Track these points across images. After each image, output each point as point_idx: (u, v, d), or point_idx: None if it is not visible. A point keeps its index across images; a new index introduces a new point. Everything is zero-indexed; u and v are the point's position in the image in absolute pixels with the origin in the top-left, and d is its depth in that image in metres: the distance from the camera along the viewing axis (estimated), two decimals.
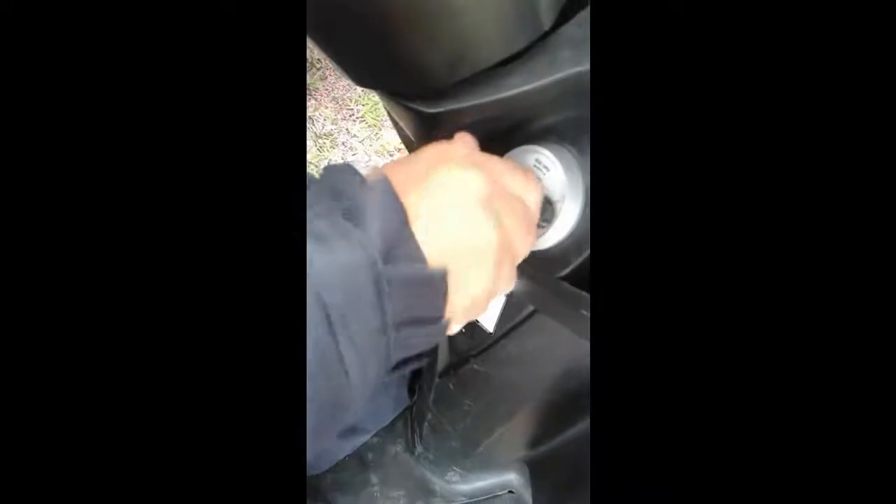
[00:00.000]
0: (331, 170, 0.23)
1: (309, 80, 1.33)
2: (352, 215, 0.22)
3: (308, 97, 1.32)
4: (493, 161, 0.25)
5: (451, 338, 0.54)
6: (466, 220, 0.23)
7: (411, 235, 0.23)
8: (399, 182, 0.23)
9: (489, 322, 0.47)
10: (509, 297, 0.44)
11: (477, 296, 0.25)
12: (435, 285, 0.23)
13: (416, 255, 0.23)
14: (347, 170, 0.24)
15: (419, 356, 0.26)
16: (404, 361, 0.25)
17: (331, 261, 0.20)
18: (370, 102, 1.29)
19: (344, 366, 0.20)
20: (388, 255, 0.22)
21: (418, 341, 0.24)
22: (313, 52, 1.37)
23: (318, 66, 1.36)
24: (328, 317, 0.19)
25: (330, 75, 1.36)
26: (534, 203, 0.26)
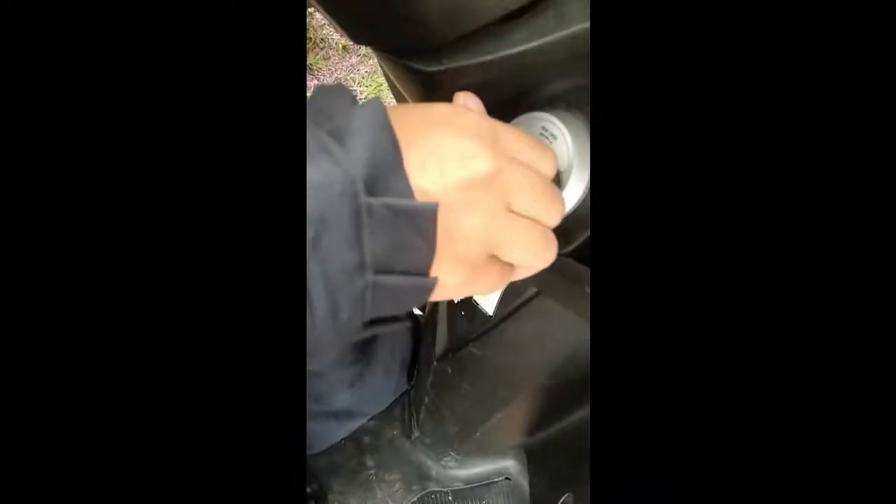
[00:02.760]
0: (320, 89, 0.21)
1: (311, 59, 1.31)
2: (337, 134, 0.19)
3: (310, 77, 1.30)
4: (501, 129, 0.23)
5: (450, 322, 0.53)
6: (463, 162, 0.20)
7: (401, 166, 0.20)
8: (396, 121, 0.20)
9: (489, 305, 0.46)
10: None
11: (468, 250, 0.21)
12: (422, 221, 0.20)
13: (405, 189, 0.20)
14: (338, 90, 0.21)
15: (395, 318, 0.23)
16: (381, 320, 0.22)
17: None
18: (374, 84, 1.27)
19: (310, 302, 0.18)
20: (373, 186, 0.19)
21: (401, 295, 0.21)
22: (317, 31, 1.35)
23: (322, 45, 1.34)
24: None
25: (333, 55, 1.34)
26: (549, 171, 0.24)
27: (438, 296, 0.23)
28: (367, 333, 0.22)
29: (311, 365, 0.20)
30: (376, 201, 0.19)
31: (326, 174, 0.18)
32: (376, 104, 0.20)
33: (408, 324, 0.48)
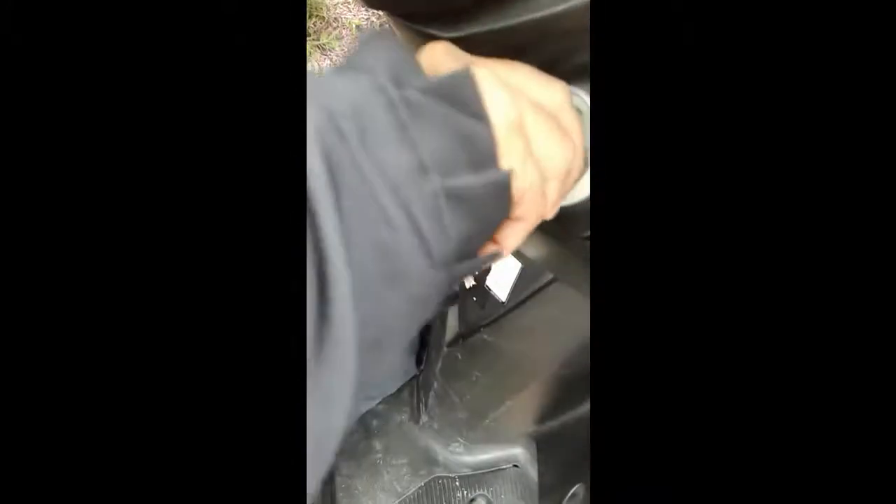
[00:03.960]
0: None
1: (324, 39, 1.29)
2: (349, 63, 0.18)
3: (323, 56, 1.28)
4: (499, 62, 0.20)
5: (461, 308, 0.52)
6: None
7: (420, 67, 0.18)
8: None
9: (502, 291, 0.45)
10: (525, 265, 0.41)
11: (512, 135, 0.18)
12: (463, 93, 0.17)
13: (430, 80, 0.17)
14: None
15: (476, 256, 0.19)
16: (465, 255, 0.18)
17: (326, 98, 0.15)
18: None
19: (384, 211, 0.15)
20: (399, 81, 0.17)
21: (479, 201, 0.17)
22: (331, 10, 1.33)
23: (335, 24, 1.31)
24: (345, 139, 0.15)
25: (346, 34, 1.31)
26: (561, 103, 0.21)
27: (521, 208, 0.19)
28: (463, 270, 0.18)
29: (421, 314, 0.17)
30: (408, 91, 0.17)
31: (349, 79, 0.16)
32: (383, 31, 0.19)
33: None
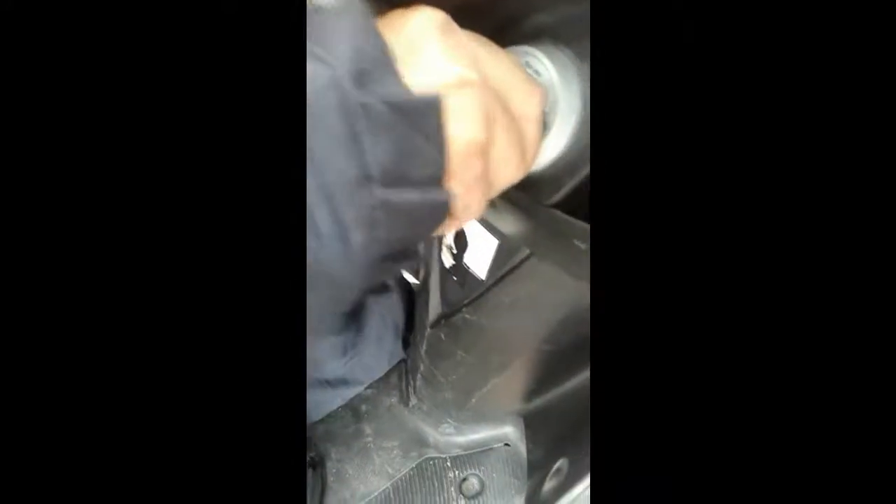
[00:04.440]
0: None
1: None
2: (315, 38, 0.16)
3: None
4: (485, 54, 0.20)
5: (442, 287, 0.52)
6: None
7: (391, 63, 0.17)
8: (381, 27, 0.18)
9: (481, 269, 0.45)
10: (501, 241, 0.41)
11: (471, 162, 0.18)
12: (426, 118, 0.17)
13: (400, 87, 0.17)
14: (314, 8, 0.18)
15: (410, 254, 0.19)
16: (396, 256, 0.18)
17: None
18: None
19: (311, 217, 0.15)
20: (363, 82, 0.16)
21: (415, 215, 0.18)
22: None
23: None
24: None
25: None
26: (533, 117, 0.21)
27: (450, 222, 0.19)
28: (384, 272, 0.19)
29: (339, 300, 0.17)
30: (371, 98, 0.16)
31: (307, 70, 0.15)
32: (355, 4, 0.18)
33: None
